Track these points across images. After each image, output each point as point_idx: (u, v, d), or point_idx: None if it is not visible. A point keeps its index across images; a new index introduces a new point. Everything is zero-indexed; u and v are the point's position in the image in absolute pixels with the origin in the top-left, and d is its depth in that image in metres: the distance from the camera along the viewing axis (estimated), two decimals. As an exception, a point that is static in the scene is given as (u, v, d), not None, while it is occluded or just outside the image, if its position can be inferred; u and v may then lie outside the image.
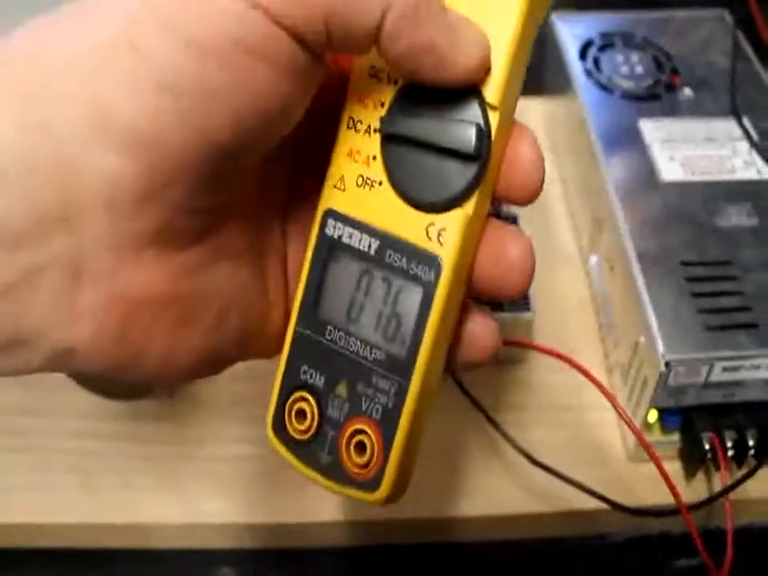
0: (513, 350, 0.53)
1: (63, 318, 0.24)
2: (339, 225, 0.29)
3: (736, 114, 0.58)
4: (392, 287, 0.28)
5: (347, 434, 0.28)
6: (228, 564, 0.49)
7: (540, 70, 0.67)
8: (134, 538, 0.49)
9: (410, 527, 0.49)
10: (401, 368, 0.28)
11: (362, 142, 0.28)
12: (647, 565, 0.48)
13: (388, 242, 0.28)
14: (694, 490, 0.48)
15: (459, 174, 0.27)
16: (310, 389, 0.29)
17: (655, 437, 0.48)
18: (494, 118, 0.27)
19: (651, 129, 0.58)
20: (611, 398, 0.44)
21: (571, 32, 0.65)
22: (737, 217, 0.52)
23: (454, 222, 0.27)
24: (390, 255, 0.28)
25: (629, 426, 0.44)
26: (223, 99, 0.23)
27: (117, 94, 0.23)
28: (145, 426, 0.52)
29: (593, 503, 0.45)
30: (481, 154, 0.27)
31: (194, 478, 0.49)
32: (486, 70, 0.26)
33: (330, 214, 0.29)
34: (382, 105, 0.28)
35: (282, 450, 0.30)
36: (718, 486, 0.47)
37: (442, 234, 0.27)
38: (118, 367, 0.26)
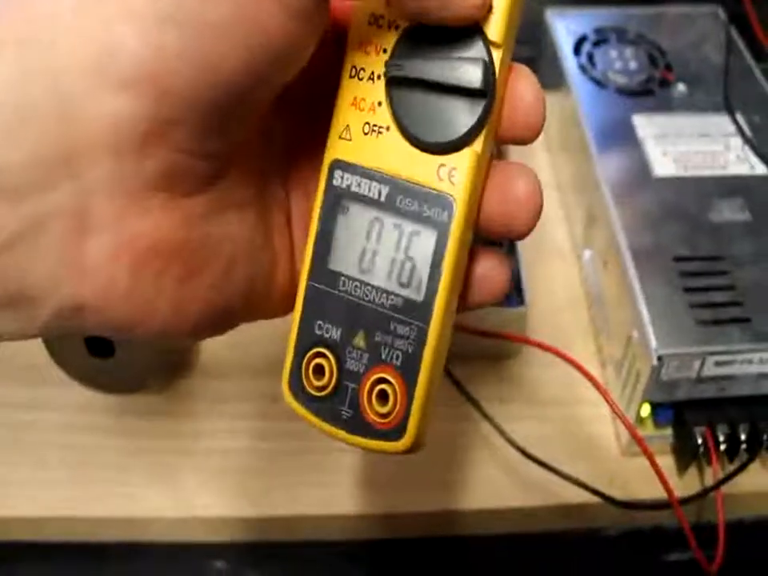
0: (506, 345, 0.53)
1: (71, 272, 0.24)
2: (347, 175, 0.28)
3: (729, 109, 0.58)
4: (404, 232, 0.28)
5: (368, 384, 0.28)
6: (221, 558, 0.49)
7: (534, 65, 0.68)
8: (129, 531, 0.49)
9: (404, 521, 0.49)
10: (419, 312, 0.28)
11: (366, 89, 0.28)
12: (640, 558, 0.48)
13: (398, 187, 0.28)
14: (686, 484, 0.48)
15: (467, 113, 0.27)
16: (327, 344, 0.29)
17: (648, 431, 0.49)
18: (497, 55, 0.27)
19: (645, 124, 0.58)
20: (604, 393, 0.44)
21: (566, 27, 0.66)
22: (729, 212, 0.52)
23: (464, 160, 0.27)
24: (401, 200, 0.28)
25: (621, 421, 0.44)
26: (232, 36, 0.23)
27: (117, 30, 0.22)
28: (138, 421, 0.52)
29: (586, 497, 0.46)
30: (487, 90, 0.26)
31: (187, 472, 0.50)
32: (489, 8, 0.26)
33: (336, 164, 0.29)
34: (384, 51, 0.28)
35: (299, 409, 0.30)
36: (710, 481, 0.47)
37: (453, 174, 0.27)
38: (127, 324, 0.25)
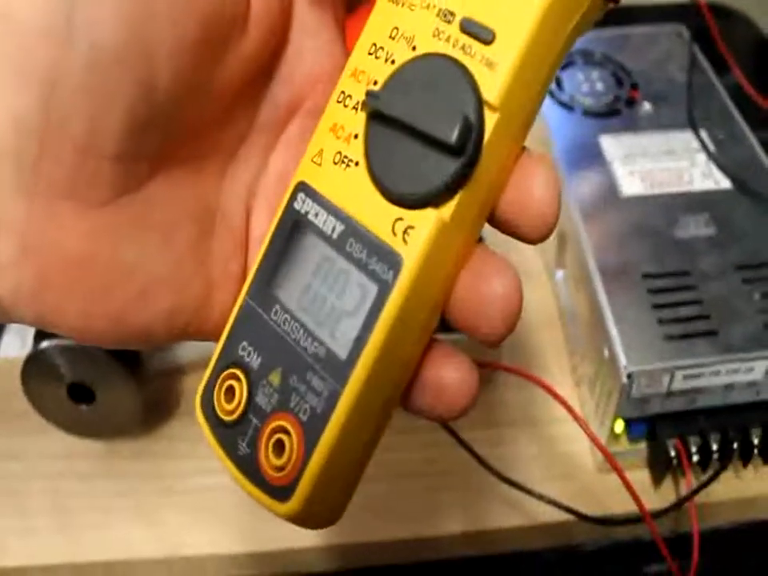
0: (481, 371, 0.54)
1: None
2: (309, 201, 0.26)
3: (693, 125, 0.59)
4: (348, 279, 0.25)
5: (269, 428, 0.26)
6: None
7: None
8: (117, 575, 0.49)
9: (383, 549, 0.49)
10: (337, 370, 0.25)
11: (347, 117, 0.26)
12: (620, 572, 0.49)
13: (352, 228, 0.25)
14: (662, 497, 0.49)
15: (438, 169, 0.24)
16: (244, 368, 0.27)
17: (622, 446, 0.49)
18: (490, 119, 0.24)
19: (612, 144, 0.59)
20: (574, 414, 0.45)
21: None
22: (695, 227, 0.53)
23: (424, 222, 0.24)
24: (352, 244, 0.25)
25: (591, 439, 0.45)
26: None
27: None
28: (120, 464, 0.52)
29: (563, 515, 0.46)
30: (464, 150, 0.24)
31: (171, 512, 0.50)
32: (492, 65, 0.24)
33: (301, 187, 0.27)
34: (375, 83, 0.26)
35: (205, 427, 0.28)
36: (685, 492, 0.48)
37: (408, 232, 0.24)
38: (38, 323, 0.25)
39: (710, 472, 0.47)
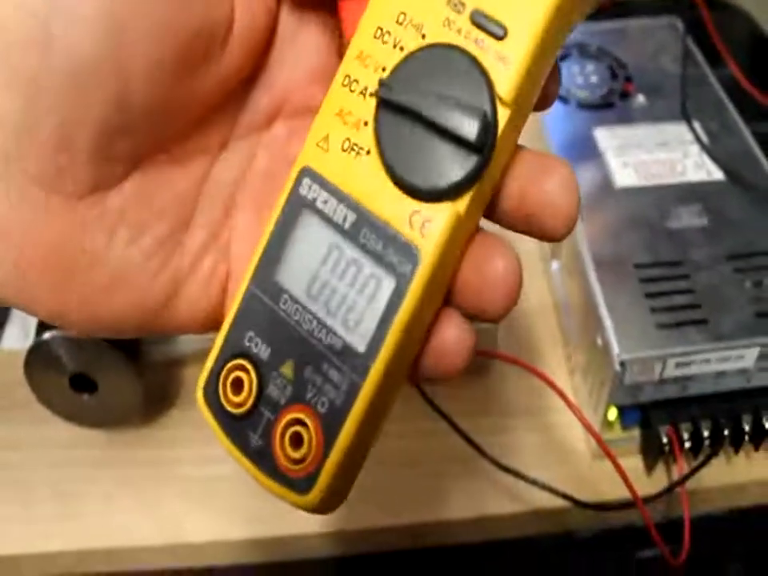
0: (477, 360, 0.55)
1: None
2: (315, 187, 0.26)
3: (686, 117, 0.60)
4: (362, 270, 0.25)
5: (285, 420, 0.25)
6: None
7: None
8: (120, 561, 0.50)
9: (384, 535, 0.50)
10: (357, 363, 0.25)
11: (355, 103, 0.26)
12: (614, 557, 0.50)
13: (366, 219, 0.25)
14: (655, 483, 0.49)
15: (457, 164, 0.24)
16: (253, 359, 0.26)
17: (616, 434, 0.50)
18: (503, 114, 0.24)
19: (606, 136, 0.60)
20: (568, 402, 0.46)
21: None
22: (688, 217, 0.54)
23: (442, 215, 0.24)
24: (366, 234, 0.25)
25: (584, 427, 0.46)
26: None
27: None
28: (122, 452, 0.53)
29: (558, 501, 0.47)
30: (483, 147, 0.24)
31: (174, 499, 0.51)
32: (506, 60, 0.24)
33: (306, 172, 0.26)
34: (383, 70, 0.25)
35: (210, 419, 0.27)
36: (677, 478, 0.48)
37: (426, 226, 0.24)
38: (15, 305, 0.26)
39: (701, 458, 0.48)
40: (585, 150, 0.59)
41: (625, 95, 0.63)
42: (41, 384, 0.51)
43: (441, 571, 0.50)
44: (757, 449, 0.50)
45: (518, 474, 0.48)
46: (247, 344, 0.26)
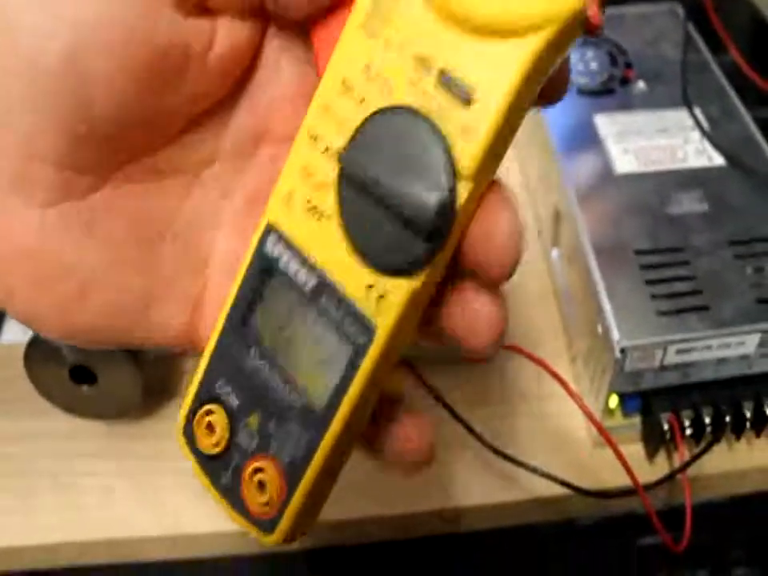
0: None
1: None
2: (280, 246, 0.26)
3: (687, 103, 0.59)
4: (322, 335, 0.26)
5: (251, 467, 0.27)
6: (213, 572, 0.50)
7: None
8: (120, 553, 0.50)
9: (381, 524, 0.50)
10: (316, 422, 0.26)
11: (318, 162, 0.25)
12: (615, 544, 0.50)
13: (325, 285, 0.25)
14: (656, 470, 0.49)
15: (414, 245, 0.24)
16: (224, 406, 0.27)
17: (617, 421, 0.50)
18: (464, 188, 0.23)
19: (606, 123, 0.59)
20: (569, 390, 0.46)
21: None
22: (688, 203, 0.53)
23: (398, 291, 0.24)
24: (326, 301, 0.25)
25: (586, 414, 0.46)
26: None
27: None
28: (122, 444, 0.53)
29: (559, 489, 0.47)
30: (440, 233, 0.24)
31: (174, 491, 0.51)
32: (469, 132, 0.23)
33: (272, 229, 0.26)
34: (346, 128, 0.25)
35: (188, 455, 0.29)
36: (678, 465, 0.48)
37: (381, 300, 0.24)
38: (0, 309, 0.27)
39: (702, 445, 0.48)
40: (585, 137, 0.59)
41: (625, 81, 0.62)
42: (40, 376, 0.50)
43: (441, 560, 0.50)
44: (758, 435, 0.50)
45: (518, 462, 0.47)
46: (218, 391, 0.28)
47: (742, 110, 0.59)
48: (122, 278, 0.28)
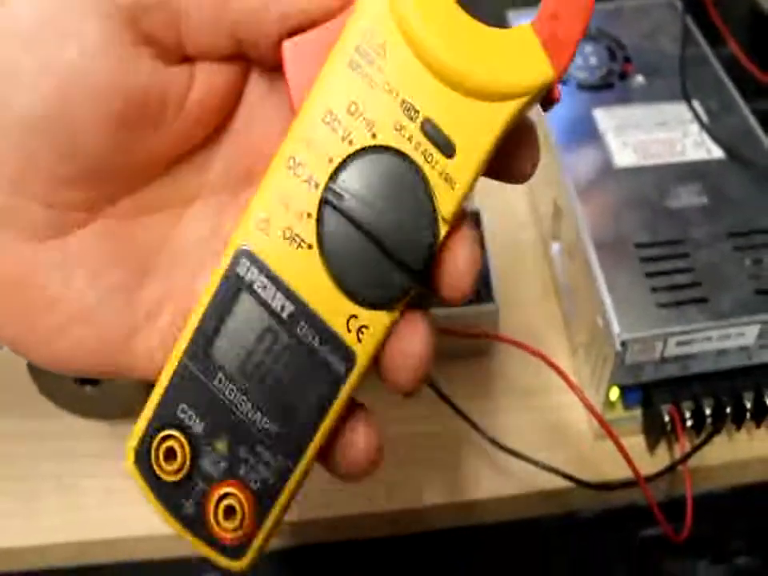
0: (478, 342, 0.55)
1: None
2: (254, 270, 0.26)
3: (686, 97, 0.60)
4: (298, 363, 0.26)
5: (218, 493, 0.27)
6: (214, 569, 0.50)
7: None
8: (121, 551, 0.50)
9: (382, 519, 0.50)
10: (290, 450, 0.26)
11: (298, 192, 0.25)
12: (617, 536, 0.50)
13: (304, 313, 0.26)
14: (657, 462, 0.49)
15: (397, 279, 0.25)
16: (185, 432, 0.27)
17: (618, 414, 0.50)
18: (442, 229, 0.25)
19: (605, 117, 0.60)
20: (570, 383, 0.46)
21: (525, 27, 0.67)
22: (687, 196, 0.53)
23: (378, 323, 0.26)
24: (304, 328, 0.26)
25: (587, 407, 0.46)
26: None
27: None
28: (124, 444, 0.52)
29: (561, 482, 0.47)
30: (426, 271, 0.25)
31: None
32: (451, 181, 0.25)
33: (245, 252, 0.26)
34: (330, 161, 0.25)
35: (140, 482, 0.28)
36: (679, 456, 0.48)
37: (363, 331, 0.25)
38: None
39: (703, 436, 0.48)
40: (584, 131, 0.59)
41: (624, 75, 0.62)
42: (43, 376, 0.51)
43: (443, 554, 0.50)
44: (758, 426, 0.50)
45: (520, 455, 0.48)
46: (180, 416, 0.27)
47: (741, 102, 0.60)
48: (107, 311, 0.28)
